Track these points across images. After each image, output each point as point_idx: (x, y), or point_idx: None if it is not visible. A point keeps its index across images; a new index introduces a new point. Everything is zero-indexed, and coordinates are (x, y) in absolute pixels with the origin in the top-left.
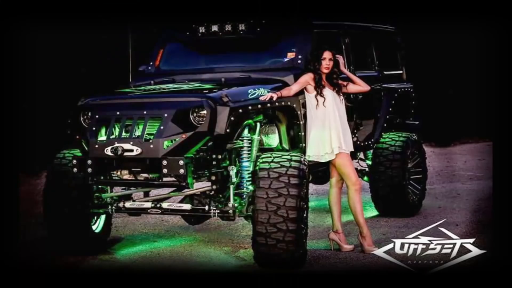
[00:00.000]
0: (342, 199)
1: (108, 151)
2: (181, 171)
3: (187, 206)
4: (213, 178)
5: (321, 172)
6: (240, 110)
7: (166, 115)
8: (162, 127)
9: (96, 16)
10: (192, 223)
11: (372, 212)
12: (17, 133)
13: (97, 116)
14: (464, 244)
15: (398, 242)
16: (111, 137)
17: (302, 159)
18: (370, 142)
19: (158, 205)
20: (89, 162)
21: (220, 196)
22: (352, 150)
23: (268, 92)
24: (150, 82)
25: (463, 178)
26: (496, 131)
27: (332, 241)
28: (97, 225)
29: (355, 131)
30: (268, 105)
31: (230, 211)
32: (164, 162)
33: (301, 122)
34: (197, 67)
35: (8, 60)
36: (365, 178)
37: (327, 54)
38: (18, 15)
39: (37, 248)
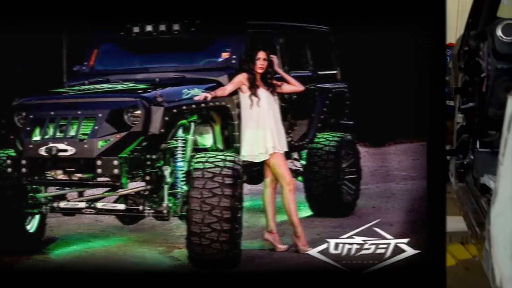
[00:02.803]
0: (276, 199)
1: (42, 151)
2: (116, 171)
3: (122, 206)
4: (148, 178)
5: (255, 172)
6: (175, 110)
7: (100, 115)
8: (96, 127)
9: (27, 16)
10: (126, 223)
11: (306, 212)
12: None
13: (31, 116)
14: (398, 244)
15: (332, 242)
16: (45, 137)
17: (236, 159)
18: (304, 142)
19: (93, 205)
20: (24, 162)
21: (155, 196)
22: (287, 150)
23: (202, 92)
24: (84, 82)
25: (398, 178)
26: (430, 131)
27: (266, 241)
28: (32, 225)
29: (290, 131)
30: (203, 105)
31: (164, 211)
32: (99, 162)
33: (236, 122)
34: (131, 67)
35: None
36: (299, 178)
37: (261, 54)
38: None
39: None
